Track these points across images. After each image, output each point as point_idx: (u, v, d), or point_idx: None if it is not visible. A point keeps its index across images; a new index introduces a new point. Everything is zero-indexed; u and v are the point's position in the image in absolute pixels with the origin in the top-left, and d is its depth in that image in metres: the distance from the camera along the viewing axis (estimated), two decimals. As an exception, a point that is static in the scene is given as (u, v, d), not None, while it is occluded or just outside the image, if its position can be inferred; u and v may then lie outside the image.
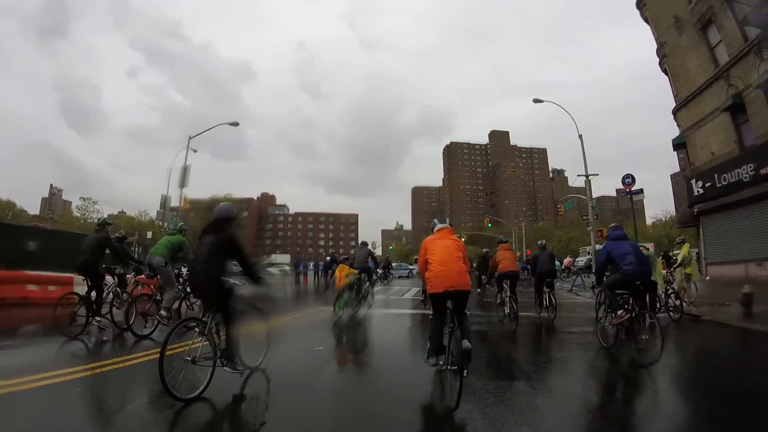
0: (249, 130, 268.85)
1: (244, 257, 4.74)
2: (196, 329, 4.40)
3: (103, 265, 8.02)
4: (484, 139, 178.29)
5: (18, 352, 6.39)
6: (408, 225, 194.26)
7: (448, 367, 4.29)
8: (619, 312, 6.16)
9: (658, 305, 9.69)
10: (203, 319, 4.43)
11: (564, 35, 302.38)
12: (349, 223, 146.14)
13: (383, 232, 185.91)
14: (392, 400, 4.34)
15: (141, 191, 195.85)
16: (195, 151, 26.40)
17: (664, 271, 10.86)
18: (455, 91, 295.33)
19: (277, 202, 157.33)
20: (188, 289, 8.39)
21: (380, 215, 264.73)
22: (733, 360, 7.04)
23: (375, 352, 7.29)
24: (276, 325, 7.47)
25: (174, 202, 24.19)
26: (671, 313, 10.34)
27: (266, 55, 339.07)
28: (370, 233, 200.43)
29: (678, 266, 11.51)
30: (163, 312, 7.51)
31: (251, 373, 4.92)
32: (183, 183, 23.38)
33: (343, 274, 10.61)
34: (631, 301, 6.27)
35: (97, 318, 7.47)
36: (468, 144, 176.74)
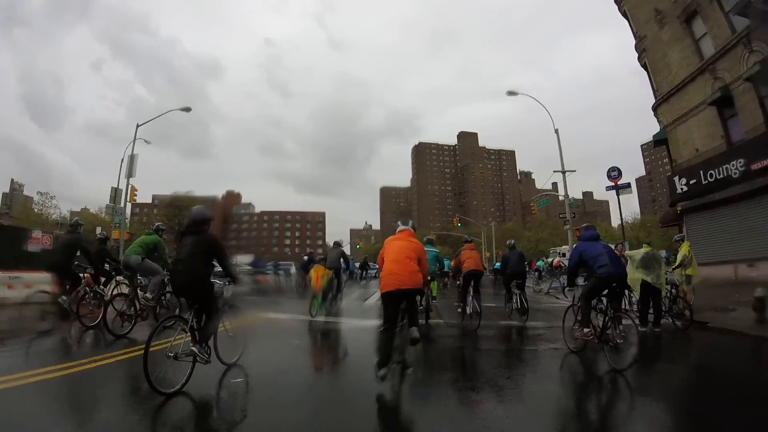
0: (216, 127, 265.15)
1: (223, 257, 4.98)
2: (178, 327, 4.59)
3: (75, 264, 8.22)
4: (452, 141, 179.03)
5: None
6: (377, 224, 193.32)
7: (394, 364, 4.65)
8: (586, 330, 5.90)
9: (662, 311, 9.28)
10: (185, 317, 4.63)
11: (526, 40, 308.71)
12: (316, 221, 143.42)
13: (352, 231, 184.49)
14: (349, 399, 4.50)
15: (104, 188, 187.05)
16: (148, 142, 24.80)
17: (668, 274, 9.82)
18: (422, 93, 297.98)
19: (244, 201, 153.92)
20: (166, 290, 8.45)
21: (349, 215, 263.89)
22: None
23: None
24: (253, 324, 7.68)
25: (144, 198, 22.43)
26: (676, 321, 9.29)
27: (234, 52, 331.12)
28: (338, 232, 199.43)
29: (677, 267, 10.47)
30: (148, 294, 7.68)
31: (228, 369, 5.13)
32: (130, 173, 21.64)
33: (319, 274, 10.62)
34: (606, 303, 6.00)
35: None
36: (437, 144, 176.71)
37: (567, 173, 24.92)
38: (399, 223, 5.69)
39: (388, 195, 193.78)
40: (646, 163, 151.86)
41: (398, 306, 4.89)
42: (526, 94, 26.00)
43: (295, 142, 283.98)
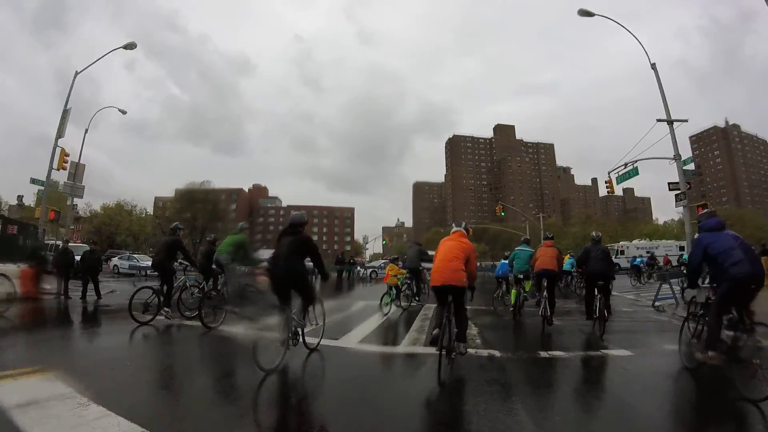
0: (249, 124, 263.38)
1: (316, 256, 5.98)
2: (278, 315, 5.43)
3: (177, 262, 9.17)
4: (487, 135, 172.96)
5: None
6: (409, 222, 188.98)
7: (442, 350, 5.00)
8: (712, 354, 4.70)
9: None
10: (283, 307, 5.48)
11: (560, 36, 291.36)
12: (344, 217, 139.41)
13: (384, 229, 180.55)
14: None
15: (141, 184, 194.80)
16: (123, 112, 21.54)
17: None
18: (453, 88, 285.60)
19: (276, 197, 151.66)
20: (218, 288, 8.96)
21: (381, 212, 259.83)
22: None
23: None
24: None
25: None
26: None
27: (264, 48, 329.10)
28: (370, 230, 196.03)
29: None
30: (228, 307, 8.27)
31: (311, 352, 6.06)
32: (60, 132, 17.48)
33: (391, 273, 11.20)
34: (736, 315, 4.71)
35: (165, 309, 8.42)
36: (472, 137, 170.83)
37: (677, 124, 18.01)
38: (453, 224, 6.13)
39: (421, 191, 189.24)
40: (695, 156, 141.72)
41: (445, 298, 5.38)
42: (603, 15, 19.96)
43: (327, 138, 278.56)
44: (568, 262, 17.25)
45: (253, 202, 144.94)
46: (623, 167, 20.79)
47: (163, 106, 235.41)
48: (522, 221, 76.42)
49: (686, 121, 18.61)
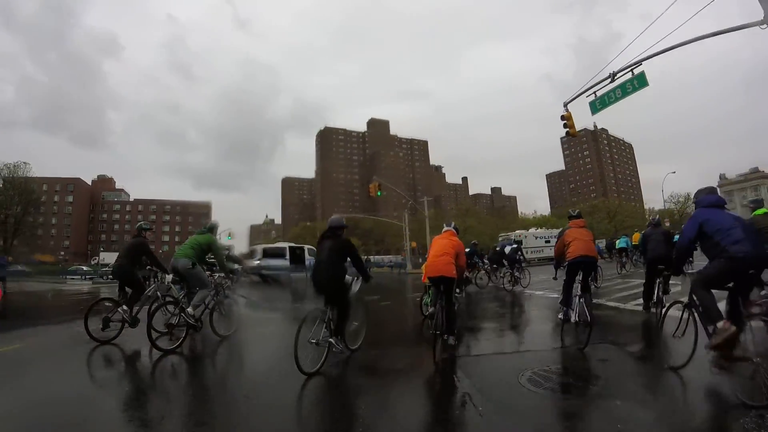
0: (111, 113, 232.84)
1: (357, 258, 6.02)
2: (319, 318, 5.49)
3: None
4: (361, 130, 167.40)
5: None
6: (279, 219, 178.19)
7: (436, 331, 5.84)
8: (721, 324, 4.08)
9: None
10: (324, 309, 5.56)
11: (433, 46, 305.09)
12: (200, 213, 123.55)
13: (252, 227, 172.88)
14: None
15: None
16: None
17: None
18: (329, 89, 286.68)
19: (122, 190, 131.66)
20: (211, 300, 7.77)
21: (250, 211, 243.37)
22: None
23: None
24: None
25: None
26: None
27: (132, 28, 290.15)
28: (237, 230, 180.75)
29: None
30: (189, 310, 7.02)
31: (352, 353, 6.05)
32: None
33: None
34: (740, 302, 4.31)
35: (125, 307, 7.44)
36: (344, 130, 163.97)
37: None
38: (444, 225, 7.15)
39: (290, 186, 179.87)
40: (565, 156, 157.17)
41: (439, 288, 6.27)
42: None
43: (197, 131, 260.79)
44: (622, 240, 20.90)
45: (95, 195, 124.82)
46: (610, 80, 12.41)
47: (18, 88, 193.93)
48: (395, 215, 69.90)
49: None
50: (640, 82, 12.39)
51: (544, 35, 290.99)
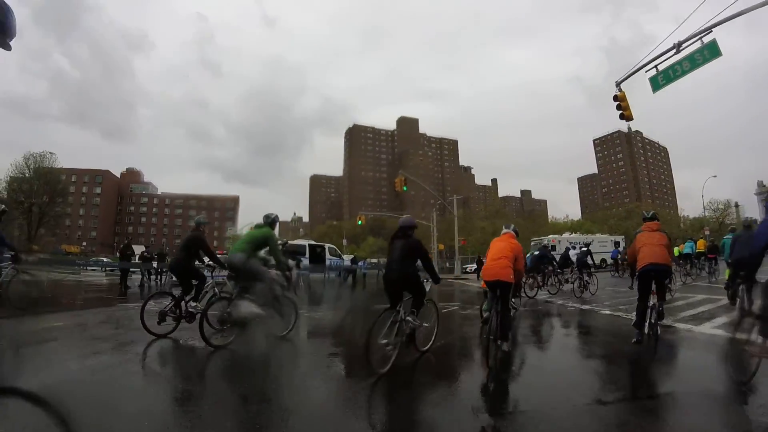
0: (142, 108, 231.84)
1: (427, 260, 6.07)
2: (391, 319, 5.48)
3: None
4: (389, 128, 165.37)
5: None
6: (307, 216, 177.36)
7: (491, 336, 5.77)
8: None
9: None
10: (394, 311, 5.55)
11: (461, 46, 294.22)
12: (226, 208, 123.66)
13: (280, 225, 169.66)
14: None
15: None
16: None
17: None
18: (354, 89, 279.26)
19: (149, 182, 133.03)
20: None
21: (277, 208, 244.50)
22: None
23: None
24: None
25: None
26: None
27: (162, 24, 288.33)
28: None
29: None
30: (255, 308, 6.69)
31: (422, 354, 6.08)
32: None
33: None
34: None
35: (193, 303, 7.51)
36: (373, 128, 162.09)
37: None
38: (503, 227, 6.87)
39: (318, 184, 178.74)
40: (597, 159, 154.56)
41: (495, 293, 6.09)
42: None
43: (225, 128, 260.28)
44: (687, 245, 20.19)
45: (123, 188, 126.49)
46: (675, 51, 10.28)
47: (51, 82, 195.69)
48: (422, 215, 68.29)
49: None
50: (711, 51, 10.32)
51: (573, 36, 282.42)
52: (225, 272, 8.19)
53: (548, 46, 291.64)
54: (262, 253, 7.21)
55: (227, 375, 5.50)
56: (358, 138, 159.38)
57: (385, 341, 5.28)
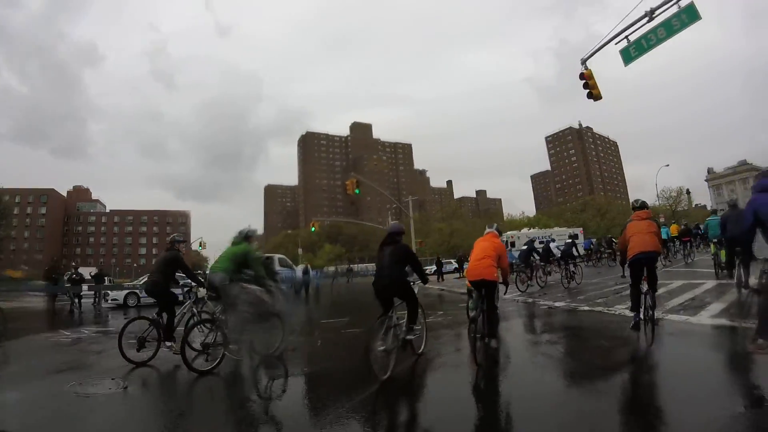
0: (93, 124, 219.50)
1: (416, 263, 6.29)
2: (385, 325, 5.61)
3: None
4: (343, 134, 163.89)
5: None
6: (263, 228, 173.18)
7: (476, 335, 5.91)
8: (762, 342, 4.45)
9: None
10: (387, 316, 5.66)
11: (418, 51, 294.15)
12: (178, 222, 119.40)
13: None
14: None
15: None
16: None
17: None
18: (311, 96, 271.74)
19: (97, 200, 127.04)
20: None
21: (234, 221, 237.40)
22: None
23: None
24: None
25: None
26: None
27: (114, 38, 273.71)
28: (218, 241, 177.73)
29: None
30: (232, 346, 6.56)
31: (417, 358, 6.29)
32: None
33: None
34: None
35: (168, 343, 7.03)
36: (326, 135, 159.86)
37: None
38: (486, 226, 7.07)
39: (273, 194, 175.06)
40: (550, 155, 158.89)
41: (480, 292, 6.30)
42: None
43: (179, 141, 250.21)
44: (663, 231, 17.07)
45: (70, 207, 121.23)
46: (647, 19, 9.42)
47: None
48: (379, 220, 67.72)
49: None
50: (689, 15, 9.56)
51: (525, 38, 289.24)
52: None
53: (502, 50, 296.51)
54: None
55: (215, 405, 5.16)
56: (311, 145, 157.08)
57: (383, 348, 5.42)
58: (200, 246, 50.80)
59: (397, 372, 5.41)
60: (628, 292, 7.11)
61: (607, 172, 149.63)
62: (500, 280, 6.70)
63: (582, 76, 11.43)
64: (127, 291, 20.27)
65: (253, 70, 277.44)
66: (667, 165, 78.66)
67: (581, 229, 41.39)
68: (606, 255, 26.26)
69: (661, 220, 49.12)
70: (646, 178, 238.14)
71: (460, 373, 5.88)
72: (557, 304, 11.10)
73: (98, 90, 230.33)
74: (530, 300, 12.31)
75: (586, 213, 70.89)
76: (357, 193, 32.00)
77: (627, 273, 7.40)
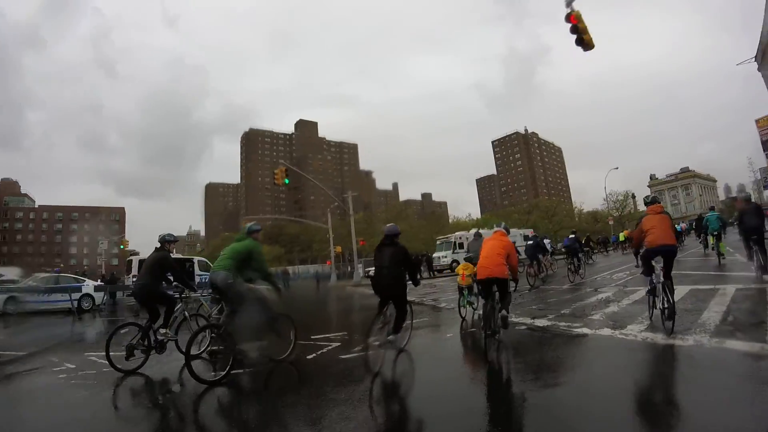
0: (30, 112, 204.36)
1: (412, 265, 6.69)
2: (380, 319, 6.06)
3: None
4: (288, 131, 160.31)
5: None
6: (203, 230, 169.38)
7: (487, 331, 6.07)
8: None
9: None
10: (381, 313, 6.11)
11: (369, 54, 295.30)
12: (111, 219, 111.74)
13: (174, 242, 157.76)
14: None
15: None
16: None
17: None
18: (258, 93, 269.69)
19: (26, 195, 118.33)
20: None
21: (175, 221, 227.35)
22: None
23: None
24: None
25: None
26: None
27: (55, 19, 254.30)
28: (153, 241, 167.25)
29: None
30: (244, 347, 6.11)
31: (399, 352, 6.44)
32: None
33: (466, 273, 10.03)
34: None
35: (162, 330, 6.86)
36: (270, 132, 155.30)
37: None
38: (494, 225, 7.51)
39: (215, 193, 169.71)
40: (496, 159, 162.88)
41: (491, 290, 6.39)
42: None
43: (119, 134, 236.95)
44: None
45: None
46: None
47: None
48: (323, 220, 64.97)
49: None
50: None
51: (474, 46, 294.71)
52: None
53: (451, 56, 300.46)
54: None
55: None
56: (255, 142, 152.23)
57: (377, 343, 5.95)
58: (122, 246, 46.41)
59: (388, 364, 5.82)
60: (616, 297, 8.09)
61: (551, 176, 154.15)
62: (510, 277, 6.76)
63: (569, 18, 9.45)
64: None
65: (200, 64, 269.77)
66: (617, 168, 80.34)
67: (531, 230, 40.33)
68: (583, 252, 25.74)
69: (610, 222, 49.11)
70: (587, 185, 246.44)
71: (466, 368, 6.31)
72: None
73: (38, 76, 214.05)
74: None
75: (533, 215, 72.11)
76: (286, 183, 29.30)
77: (640, 263, 7.62)
